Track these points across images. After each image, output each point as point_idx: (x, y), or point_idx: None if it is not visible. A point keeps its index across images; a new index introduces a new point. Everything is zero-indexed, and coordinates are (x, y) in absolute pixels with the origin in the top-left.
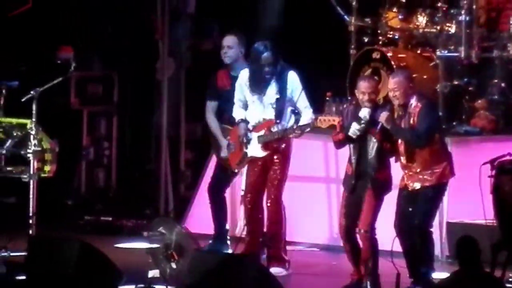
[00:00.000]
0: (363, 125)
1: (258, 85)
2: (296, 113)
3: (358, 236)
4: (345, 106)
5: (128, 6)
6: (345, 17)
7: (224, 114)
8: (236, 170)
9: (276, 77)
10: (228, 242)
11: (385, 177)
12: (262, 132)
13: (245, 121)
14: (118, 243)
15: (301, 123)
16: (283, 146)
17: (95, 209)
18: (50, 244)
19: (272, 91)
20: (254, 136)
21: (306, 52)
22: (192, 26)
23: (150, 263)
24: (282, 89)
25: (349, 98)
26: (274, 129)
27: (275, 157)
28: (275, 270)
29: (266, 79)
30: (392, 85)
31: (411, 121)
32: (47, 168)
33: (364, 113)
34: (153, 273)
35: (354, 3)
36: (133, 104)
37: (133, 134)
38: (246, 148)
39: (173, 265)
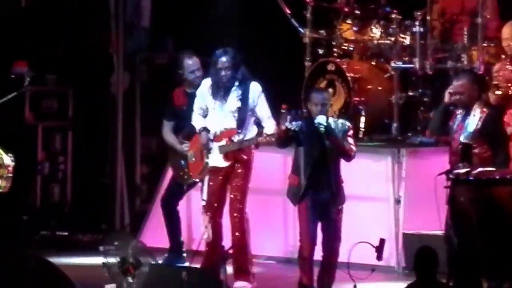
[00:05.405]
0: (322, 130)
1: (218, 89)
2: (259, 124)
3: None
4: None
5: (82, 20)
6: (300, 29)
7: (181, 132)
8: (197, 180)
9: (237, 84)
10: (184, 255)
11: (342, 189)
12: (223, 142)
13: (207, 130)
14: (74, 258)
15: (264, 132)
16: (244, 156)
17: (51, 224)
18: (6, 259)
19: (233, 98)
20: (215, 146)
21: (260, 64)
22: (147, 40)
23: (107, 278)
24: (243, 98)
25: (304, 110)
26: (236, 139)
27: (236, 168)
28: (239, 285)
29: (224, 83)
30: (457, 88)
31: (476, 126)
32: (2, 183)
33: (320, 119)
34: (110, 287)
35: (308, 15)
36: (88, 119)
37: (88, 149)
38: (207, 158)
39: (130, 279)
